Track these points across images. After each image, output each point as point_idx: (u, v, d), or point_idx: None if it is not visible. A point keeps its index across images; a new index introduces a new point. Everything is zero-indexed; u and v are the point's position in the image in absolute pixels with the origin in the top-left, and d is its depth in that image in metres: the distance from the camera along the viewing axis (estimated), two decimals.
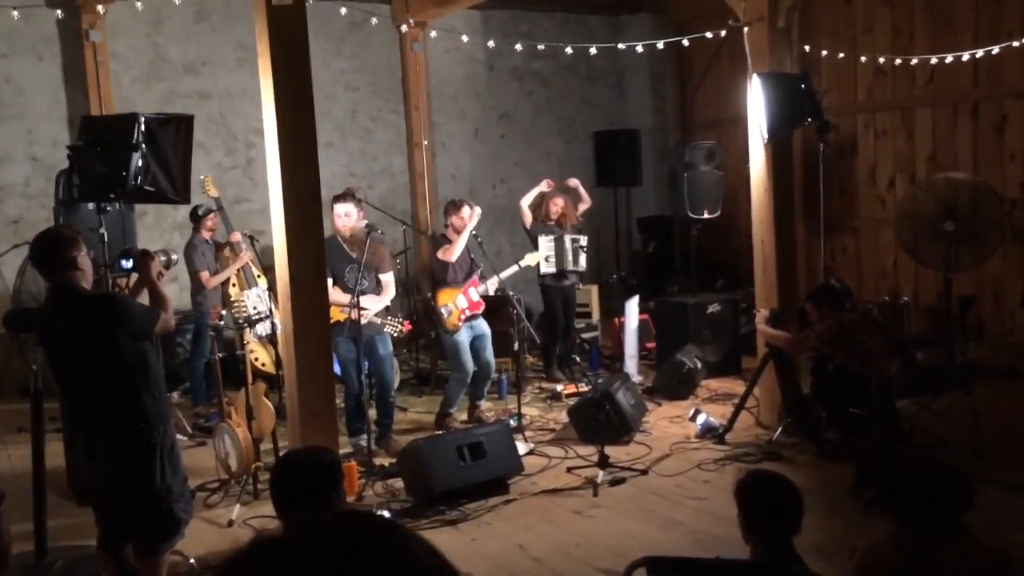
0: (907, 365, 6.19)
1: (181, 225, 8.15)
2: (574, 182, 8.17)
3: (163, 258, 4.08)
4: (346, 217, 6.05)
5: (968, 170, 7.91)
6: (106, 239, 4.30)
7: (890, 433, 5.40)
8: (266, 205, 4.90)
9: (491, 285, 6.77)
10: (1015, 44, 7.46)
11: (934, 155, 8.46)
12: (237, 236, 7.04)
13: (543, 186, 7.82)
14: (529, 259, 7.39)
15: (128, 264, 3.95)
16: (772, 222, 6.27)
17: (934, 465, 2.52)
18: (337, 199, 6.15)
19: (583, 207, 8.10)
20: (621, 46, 7.35)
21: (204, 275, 7.07)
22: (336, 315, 5.85)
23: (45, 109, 8.01)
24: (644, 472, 5.55)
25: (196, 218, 7.19)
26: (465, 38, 8.61)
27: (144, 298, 3.98)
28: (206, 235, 7.20)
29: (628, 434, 6.15)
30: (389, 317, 6.27)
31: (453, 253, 6.52)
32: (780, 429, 5.96)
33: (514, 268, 7.20)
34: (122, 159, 4.14)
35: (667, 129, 11.10)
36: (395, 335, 6.30)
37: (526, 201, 7.80)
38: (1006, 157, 7.97)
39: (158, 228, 8.42)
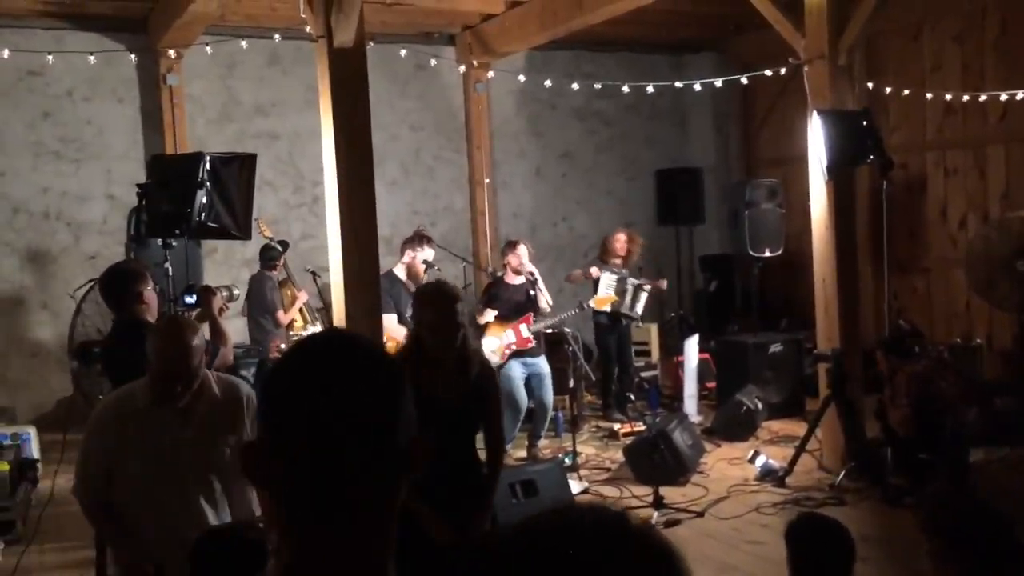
0: (985, 412, 5.97)
1: (249, 261, 8.36)
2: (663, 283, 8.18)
3: (225, 293, 4.20)
4: (426, 262, 6.22)
5: None
6: (171, 273, 4.44)
7: (957, 482, 5.20)
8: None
9: (544, 323, 6.79)
10: None
11: (1007, 193, 8.21)
12: (306, 295, 7.21)
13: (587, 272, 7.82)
14: (594, 301, 7.35)
15: (191, 299, 4.08)
16: (834, 261, 6.15)
17: (996, 516, 2.40)
18: (425, 243, 6.28)
19: (636, 247, 8.07)
20: (679, 84, 7.34)
21: (281, 314, 7.22)
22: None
23: (123, 149, 8.36)
24: (700, 514, 5.44)
25: (270, 259, 7.37)
26: (522, 78, 8.72)
27: (205, 332, 4.10)
28: (271, 273, 7.41)
29: (685, 475, 6.05)
30: None
31: (481, 319, 6.61)
32: (843, 473, 5.79)
33: (574, 311, 7.21)
34: (187, 196, 4.30)
35: (730, 167, 11.02)
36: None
37: (573, 278, 7.90)
38: None
39: (227, 264, 8.66)
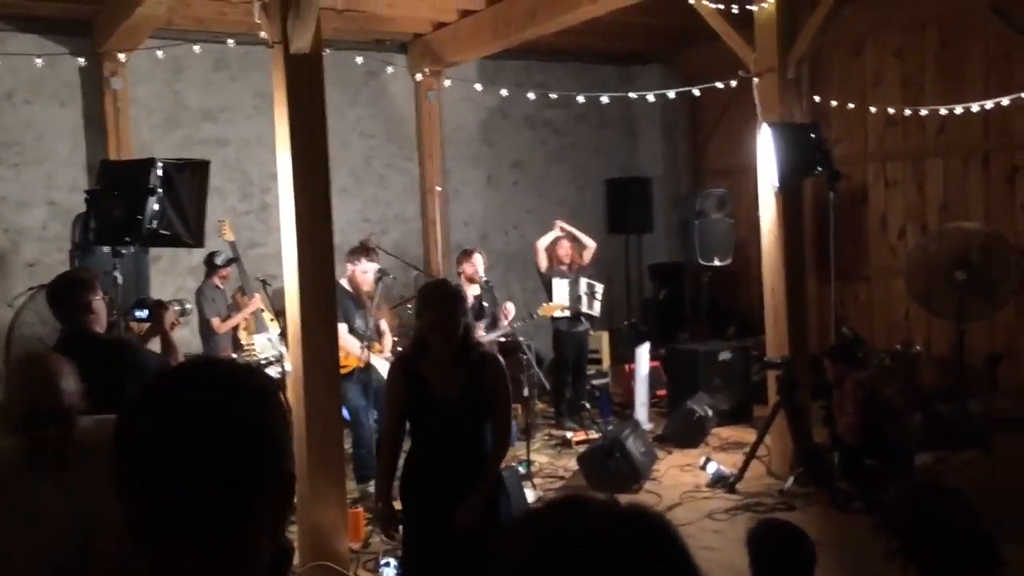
0: (928, 418, 6.13)
1: (195, 269, 8.21)
2: (562, 226, 8.16)
3: (177, 308, 4.13)
4: (370, 273, 6.16)
5: (979, 220, 7.91)
6: (120, 282, 4.34)
7: (905, 486, 5.33)
8: (279, 250, 4.96)
9: (498, 332, 6.80)
10: None
11: (945, 205, 8.47)
12: (257, 302, 7.09)
13: (557, 230, 7.90)
14: (544, 309, 7.41)
15: (143, 314, 4.00)
16: (783, 271, 6.28)
17: (973, 521, 2.44)
18: (367, 255, 6.21)
19: (588, 254, 8.11)
20: (633, 95, 7.43)
21: (215, 321, 7.15)
22: (351, 362, 5.89)
23: (65, 154, 8.14)
24: None
25: (213, 266, 7.28)
26: (479, 86, 8.73)
27: (156, 345, 4.02)
28: (218, 281, 7.30)
29: (638, 482, 6.10)
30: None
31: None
32: (792, 479, 5.90)
33: (523, 321, 7.23)
34: (139, 203, 4.21)
35: (679, 177, 11.18)
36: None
37: (543, 243, 7.87)
38: (1017, 207, 7.97)
39: (172, 272, 8.49)
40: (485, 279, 6.75)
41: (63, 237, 7.84)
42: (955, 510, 2.32)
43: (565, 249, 7.95)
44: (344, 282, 6.23)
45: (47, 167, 8.08)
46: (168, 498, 1.05)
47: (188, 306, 4.47)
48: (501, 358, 3.74)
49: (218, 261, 7.22)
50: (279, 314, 7.36)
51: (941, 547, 2.25)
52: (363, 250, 6.21)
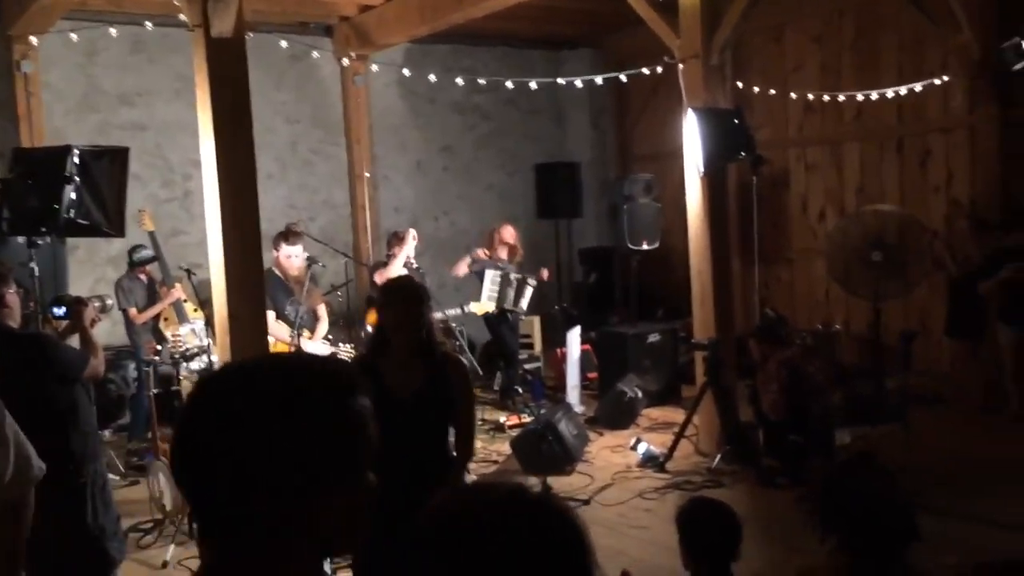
0: (848, 395, 6.34)
1: (115, 259, 7.98)
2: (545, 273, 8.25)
3: (97, 304, 4.01)
4: (295, 258, 6.04)
5: (895, 203, 8.19)
6: (37, 273, 4.19)
7: (827, 461, 5.52)
8: (203, 238, 4.85)
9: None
10: (936, 82, 7.79)
11: (862, 188, 8.75)
12: (177, 293, 6.93)
13: (465, 262, 7.87)
14: (475, 307, 7.41)
15: (61, 311, 3.87)
16: (709, 254, 6.40)
17: (891, 495, 2.53)
18: (287, 240, 6.10)
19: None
20: (561, 81, 7.47)
21: (132, 311, 6.99)
22: (280, 348, 5.81)
23: None
24: (587, 502, 5.57)
25: (131, 263, 7.11)
26: (407, 72, 8.66)
27: (75, 341, 3.90)
28: (139, 273, 7.12)
29: (571, 464, 6.18)
30: (340, 344, 6.28)
31: (388, 275, 6.55)
32: (719, 457, 6.05)
33: (457, 311, 7.24)
34: (55, 192, 4.08)
35: (607, 162, 11.28)
36: (349, 360, 6.32)
37: (458, 270, 7.88)
38: (930, 190, 8.28)
39: (90, 262, 8.22)
40: (416, 265, 6.72)
41: None
42: (873, 482, 2.41)
43: (510, 233, 7.96)
44: (273, 268, 6.14)
45: None
46: (194, 494, 1.09)
47: (109, 302, 4.34)
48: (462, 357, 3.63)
49: (136, 258, 7.06)
50: (204, 304, 7.23)
51: (859, 518, 2.34)
52: (283, 235, 6.13)
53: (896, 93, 7.80)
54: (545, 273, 8.23)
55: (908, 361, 7.33)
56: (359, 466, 1.12)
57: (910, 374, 7.38)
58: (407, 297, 3.29)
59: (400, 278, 3.64)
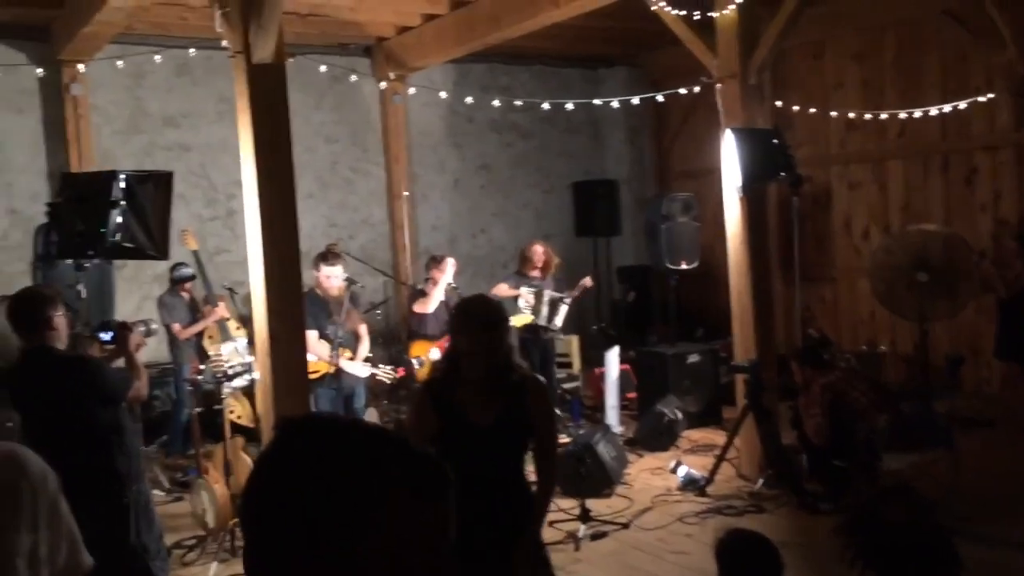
0: (894, 420, 6.20)
1: (160, 277, 8.11)
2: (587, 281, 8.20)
3: (142, 329, 4.09)
4: (335, 279, 6.09)
5: (940, 221, 8.06)
6: (83, 295, 4.28)
7: (872, 487, 5.41)
8: (246, 257, 4.91)
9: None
10: (981, 99, 7.66)
11: (907, 206, 8.61)
12: (221, 312, 7.05)
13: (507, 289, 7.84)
14: (514, 320, 7.40)
15: (107, 336, 3.95)
16: (749, 274, 6.33)
17: (929, 527, 2.46)
18: (326, 261, 6.15)
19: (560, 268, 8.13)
20: (597, 101, 7.46)
21: (176, 327, 7.13)
22: (320, 367, 5.87)
23: (25, 163, 8.01)
24: (626, 526, 5.52)
25: (173, 281, 7.27)
26: (444, 94, 8.72)
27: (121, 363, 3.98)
28: (181, 291, 7.28)
29: (609, 487, 6.12)
30: (380, 365, 6.32)
31: (429, 305, 6.58)
32: (761, 481, 5.96)
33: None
34: (101, 216, 4.15)
35: (644, 180, 11.25)
36: (389, 381, 6.36)
37: (499, 291, 7.84)
38: (976, 209, 8.13)
39: (136, 280, 8.37)
40: (454, 286, 6.75)
41: (24, 246, 7.72)
42: (910, 515, 2.34)
43: (538, 254, 7.92)
44: (315, 289, 6.21)
45: (7, 176, 7.94)
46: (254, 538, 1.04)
47: (154, 326, 4.41)
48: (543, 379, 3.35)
49: (176, 276, 7.22)
50: (246, 321, 7.33)
51: (896, 553, 2.28)
52: (323, 256, 6.19)
53: (940, 111, 7.67)
54: (588, 281, 8.17)
55: (956, 384, 7.17)
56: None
57: (958, 396, 7.23)
58: (485, 324, 3.03)
59: (474, 301, 3.28)
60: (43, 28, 7.75)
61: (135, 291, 8.31)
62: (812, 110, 8.36)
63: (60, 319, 3.69)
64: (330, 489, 0.98)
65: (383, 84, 9.32)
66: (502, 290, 7.74)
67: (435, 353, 6.56)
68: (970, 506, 5.33)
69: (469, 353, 3.02)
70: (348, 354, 6.20)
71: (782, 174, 6.20)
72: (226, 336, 7.12)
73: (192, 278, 7.18)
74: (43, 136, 8.05)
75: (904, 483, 2.75)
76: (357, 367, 6.12)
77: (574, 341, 9.07)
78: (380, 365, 6.31)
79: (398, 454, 1.03)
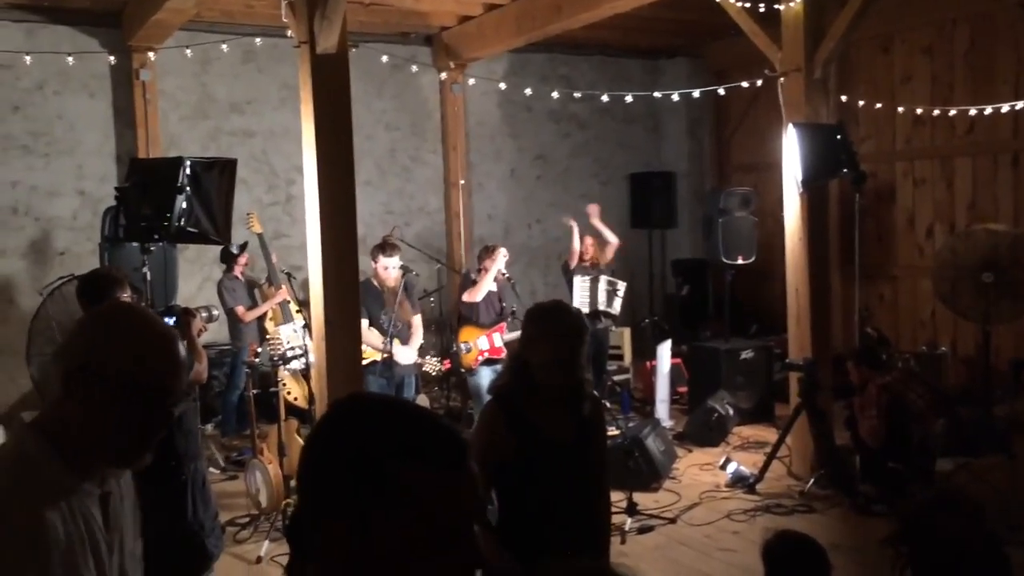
0: (951, 422, 6.08)
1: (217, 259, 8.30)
2: (594, 219, 8.16)
3: (204, 314, 4.20)
4: (392, 269, 6.16)
5: (1008, 221, 7.83)
6: (149, 279, 4.41)
7: (926, 490, 5.31)
8: (303, 241, 5.01)
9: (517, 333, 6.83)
10: None
11: (973, 204, 8.38)
12: (284, 294, 7.22)
13: (574, 224, 7.94)
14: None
15: (170, 321, 4.07)
16: (806, 271, 6.24)
17: (981, 540, 2.42)
18: (384, 251, 6.22)
19: (610, 250, 8.11)
20: (658, 94, 7.40)
21: (240, 310, 7.29)
22: (371, 354, 5.95)
23: (95, 145, 8.25)
24: (673, 521, 5.51)
25: (228, 256, 7.42)
26: (503, 86, 8.73)
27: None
28: (238, 271, 7.44)
29: (657, 481, 6.11)
30: (427, 356, 6.39)
31: (477, 294, 6.63)
32: (813, 480, 5.89)
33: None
34: (167, 201, 4.27)
35: (703, 173, 11.13)
36: (435, 374, 6.42)
37: (576, 244, 7.94)
38: None
39: (199, 262, 8.58)
40: (507, 275, 6.78)
41: (93, 227, 7.96)
42: (960, 522, 2.30)
43: (586, 246, 7.97)
44: (371, 279, 6.29)
45: (77, 157, 8.19)
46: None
47: (215, 312, 4.53)
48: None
49: (233, 250, 7.36)
50: (303, 305, 7.47)
51: (946, 562, 2.25)
52: (380, 247, 6.26)
53: (1012, 108, 7.44)
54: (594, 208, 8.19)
55: (1018, 388, 6.98)
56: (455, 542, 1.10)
57: (1020, 401, 7.03)
58: (569, 331, 2.70)
59: (556, 306, 2.85)
60: (114, 14, 7.97)
61: (196, 273, 8.52)
62: (878, 105, 8.17)
63: (126, 300, 3.80)
64: (350, 458, 1.09)
65: (443, 74, 9.37)
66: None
67: (483, 342, 6.61)
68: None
69: (549, 363, 2.68)
70: (398, 343, 6.27)
71: (844, 171, 6.09)
72: (288, 317, 7.27)
73: (243, 249, 7.36)
74: (113, 120, 8.29)
75: (958, 490, 2.70)
76: (406, 352, 6.18)
77: (626, 333, 9.04)
78: (428, 357, 6.39)
79: (419, 428, 1.13)
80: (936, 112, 8.06)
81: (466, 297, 6.70)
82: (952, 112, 7.94)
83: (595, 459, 2.83)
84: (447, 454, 1.11)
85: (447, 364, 6.61)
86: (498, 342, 6.62)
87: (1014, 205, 8.07)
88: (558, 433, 2.72)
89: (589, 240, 8.03)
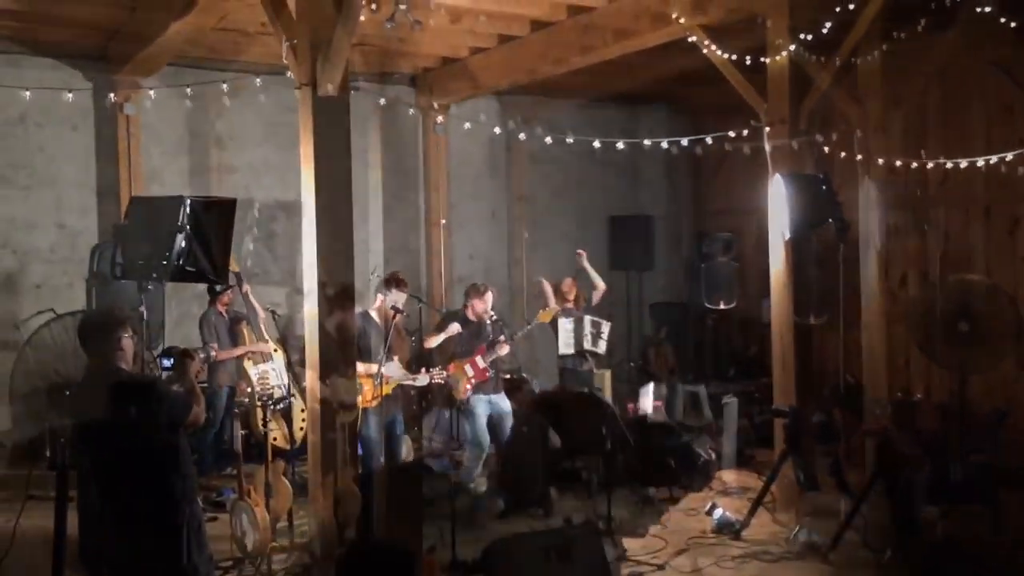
0: (936, 471, 6.15)
1: (200, 295, 8.19)
2: (583, 262, 8.23)
3: (202, 355, 4.17)
4: (400, 304, 6.19)
5: (981, 272, 8.01)
6: (145, 318, 4.36)
7: (914, 538, 5.37)
8: (284, 278, 4.99)
9: (503, 349, 6.84)
10: None
11: (946, 254, 8.56)
12: (263, 348, 7.23)
13: (547, 288, 7.97)
14: (542, 314, 7.46)
15: (169, 363, 4.04)
16: (791, 318, 6.34)
17: None
18: (398, 286, 6.23)
19: (597, 295, 8.17)
20: (647, 142, 7.50)
21: (214, 348, 7.17)
22: (365, 402, 5.95)
23: (75, 178, 8.15)
24: (661, 567, 5.50)
25: (214, 293, 7.35)
26: (493, 126, 8.81)
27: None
28: (221, 308, 7.36)
29: (644, 526, 6.10)
30: (423, 369, 6.43)
31: (433, 341, 6.77)
32: (798, 527, 5.89)
33: (527, 327, 7.38)
34: (167, 240, 4.23)
35: (680, 216, 11.28)
36: (442, 381, 6.46)
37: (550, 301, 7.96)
38: (1018, 260, 8.08)
39: (176, 297, 8.45)
40: (495, 317, 6.82)
41: (71, 260, 7.86)
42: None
43: (568, 286, 8.03)
44: (374, 312, 6.29)
45: (57, 190, 8.08)
46: None
47: (213, 353, 4.49)
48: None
49: (218, 288, 7.28)
50: (283, 342, 7.41)
51: None
52: (395, 281, 6.27)
53: (987, 162, 7.65)
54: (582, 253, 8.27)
55: (995, 438, 7.10)
56: None
57: (997, 450, 7.14)
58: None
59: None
60: (99, 47, 7.91)
61: (174, 308, 8.39)
62: (859, 157, 8.34)
63: (128, 341, 3.77)
64: None
65: (423, 112, 9.44)
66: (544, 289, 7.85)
67: (468, 370, 6.68)
68: (1015, 564, 5.26)
69: None
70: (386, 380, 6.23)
71: (830, 220, 6.22)
72: (265, 356, 7.19)
73: (228, 288, 7.30)
74: (94, 153, 8.20)
75: (953, 538, 2.74)
76: (393, 367, 6.17)
77: (607, 375, 9.07)
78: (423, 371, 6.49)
79: None
80: (914, 165, 8.26)
81: (425, 342, 6.85)
82: (929, 166, 8.15)
83: None
84: None
85: (452, 368, 6.64)
86: (481, 363, 6.71)
87: (985, 256, 8.28)
88: None
89: (569, 280, 8.10)
